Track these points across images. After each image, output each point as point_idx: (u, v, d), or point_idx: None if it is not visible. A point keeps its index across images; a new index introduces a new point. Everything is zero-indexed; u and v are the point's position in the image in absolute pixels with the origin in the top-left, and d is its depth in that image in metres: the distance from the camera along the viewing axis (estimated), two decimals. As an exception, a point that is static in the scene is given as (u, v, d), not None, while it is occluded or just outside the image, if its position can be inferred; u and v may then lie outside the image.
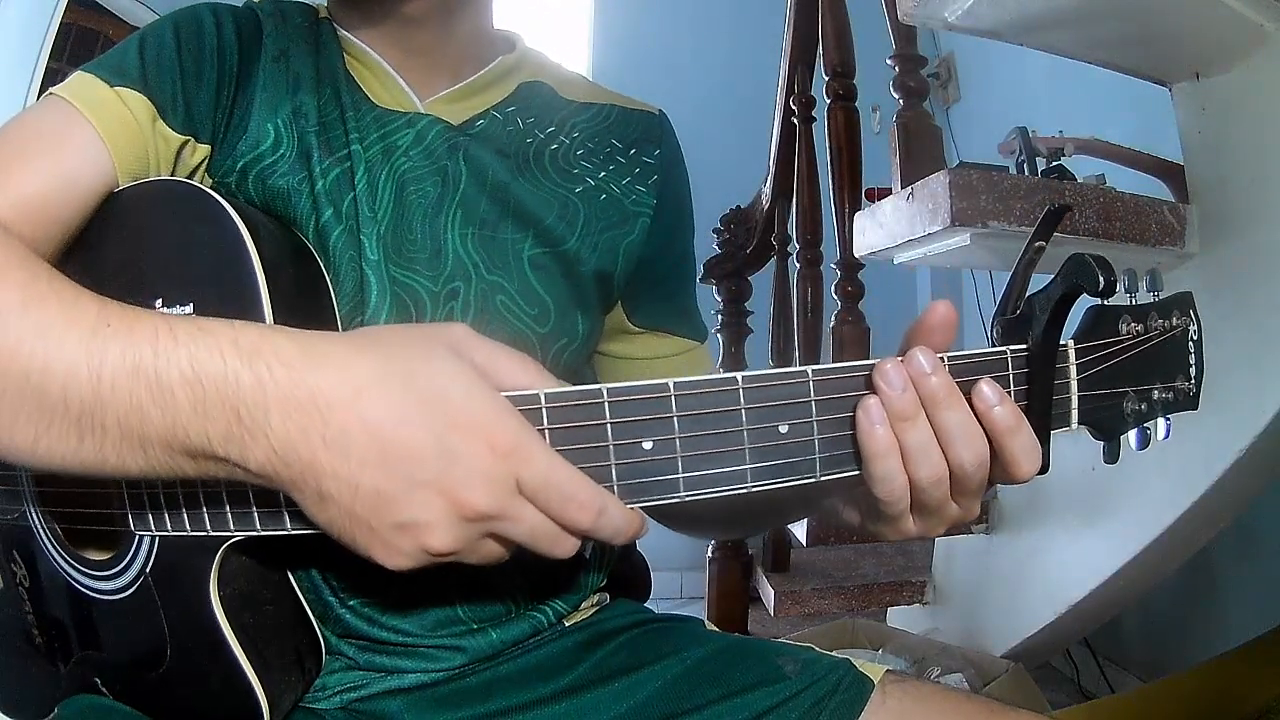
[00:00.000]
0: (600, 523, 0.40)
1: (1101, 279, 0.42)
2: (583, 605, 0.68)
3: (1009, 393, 0.43)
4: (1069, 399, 0.46)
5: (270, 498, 0.43)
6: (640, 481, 0.41)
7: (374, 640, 0.58)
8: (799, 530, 1.56)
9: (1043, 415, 0.44)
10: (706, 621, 0.69)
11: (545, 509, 0.39)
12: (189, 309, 0.47)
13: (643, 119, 0.69)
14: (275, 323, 0.46)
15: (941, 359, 0.42)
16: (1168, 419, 0.48)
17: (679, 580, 2.86)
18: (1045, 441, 0.44)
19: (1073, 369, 0.45)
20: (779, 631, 1.89)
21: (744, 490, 0.42)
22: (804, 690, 0.57)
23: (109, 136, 0.52)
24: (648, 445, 0.41)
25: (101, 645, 0.55)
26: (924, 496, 0.43)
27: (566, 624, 0.66)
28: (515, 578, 0.62)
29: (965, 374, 0.43)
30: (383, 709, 0.59)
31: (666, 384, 0.41)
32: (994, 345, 0.45)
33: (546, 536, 0.40)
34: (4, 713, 0.62)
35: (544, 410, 0.40)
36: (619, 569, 0.73)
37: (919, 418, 0.42)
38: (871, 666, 0.60)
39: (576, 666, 0.62)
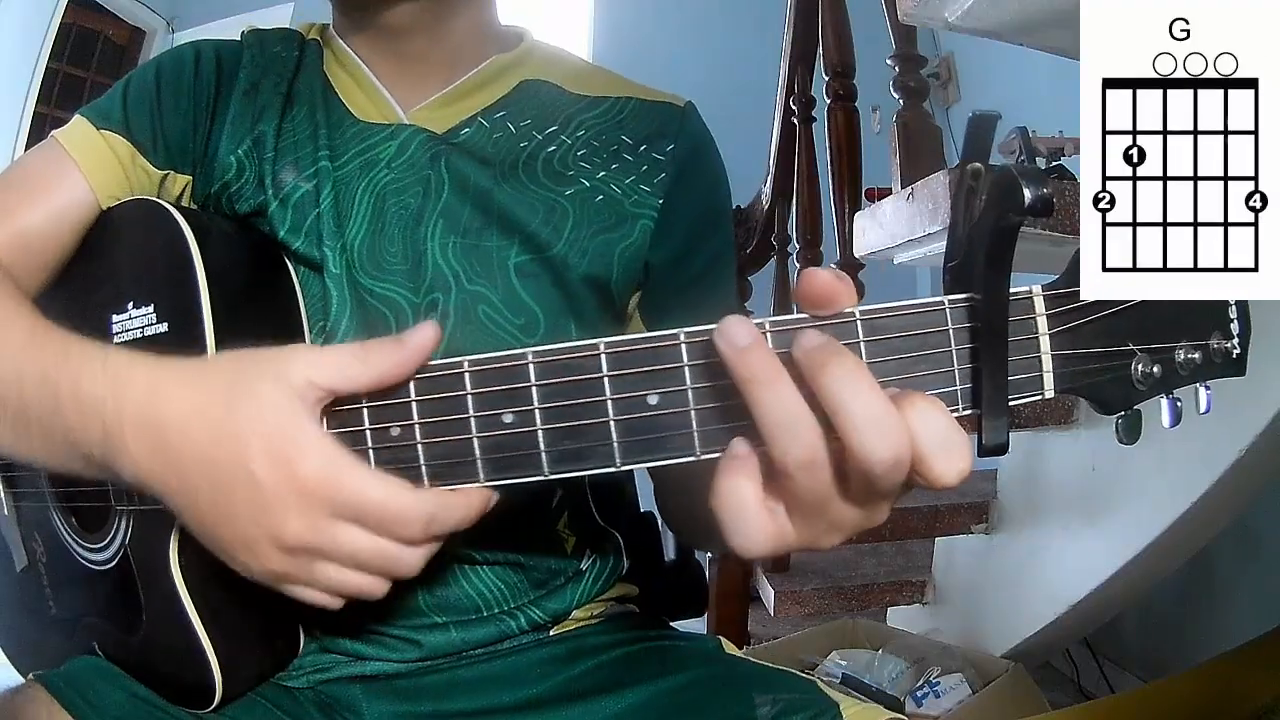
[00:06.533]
0: (433, 529, 0.40)
1: (1027, 194, 0.31)
2: (574, 615, 0.64)
3: (951, 352, 0.35)
4: (1037, 359, 0.36)
5: None
6: (503, 456, 0.39)
7: (337, 622, 0.57)
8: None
9: (997, 379, 0.35)
10: (725, 642, 0.65)
11: (372, 530, 0.39)
12: (149, 309, 0.53)
13: (661, 112, 0.65)
14: (216, 322, 0.50)
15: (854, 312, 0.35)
16: (1208, 388, 0.38)
17: (679, 580, 2.86)
18: (1004, 412, 0.35)
19: (1041, 321, 0.36)
20: (779, 632, 1.89)
21: (613, 470, 0.38)
22: None
23: (92, 175, 0.58)
24: (508, 419, 0.38)
25: (96, 611, 0.59)
26: (794, 486, 0.34)
27: (552, 633, 0.63)
28: (487, 577, 0.60)
29: (891, 331, 0.36)
30: (345, 695, 0.59)
31: (525, 353, 0.38)
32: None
33: (379, 558, 0.40)
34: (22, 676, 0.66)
35: (411, 384, 0.40)
36: (676, 585, 0.70)
37: (780, 382, 0.33)
38: (867, 710, 0.56)
39: (544, 680, 0.60)
